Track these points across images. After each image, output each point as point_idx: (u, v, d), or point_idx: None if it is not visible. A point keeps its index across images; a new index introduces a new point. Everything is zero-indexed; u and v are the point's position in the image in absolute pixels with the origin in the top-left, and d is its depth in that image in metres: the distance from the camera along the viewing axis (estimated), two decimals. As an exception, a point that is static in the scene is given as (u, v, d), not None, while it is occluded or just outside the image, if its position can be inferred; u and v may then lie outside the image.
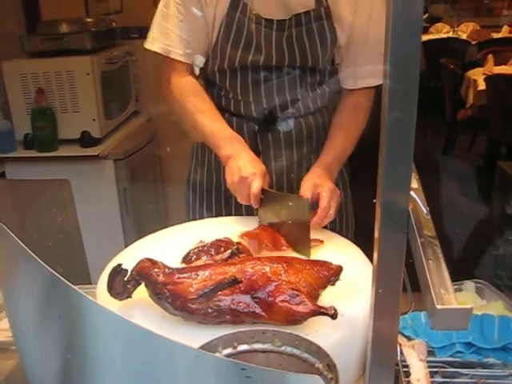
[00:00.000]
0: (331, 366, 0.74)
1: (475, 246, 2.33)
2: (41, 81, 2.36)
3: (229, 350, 0.79)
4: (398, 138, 0.60)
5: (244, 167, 1.17)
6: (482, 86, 3.91)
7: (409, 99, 0.58)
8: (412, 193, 0.66)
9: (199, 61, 1.28)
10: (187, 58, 1.29)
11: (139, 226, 2.38)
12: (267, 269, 0.89)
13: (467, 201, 3.06)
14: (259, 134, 1.33)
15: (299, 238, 1.11)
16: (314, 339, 0.80)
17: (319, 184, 1.17)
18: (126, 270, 0.92)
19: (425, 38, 6.41)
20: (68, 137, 2.39)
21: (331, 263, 0.92)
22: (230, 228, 1.17)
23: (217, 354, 0.78)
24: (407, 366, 0.88)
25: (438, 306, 0.51)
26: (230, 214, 1.37)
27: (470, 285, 1.18)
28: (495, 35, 6.13)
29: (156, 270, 0.91)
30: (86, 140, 2.35)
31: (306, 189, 1.17)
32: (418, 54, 0.58)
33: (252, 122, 1.33)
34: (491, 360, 0.93)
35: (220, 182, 1.39)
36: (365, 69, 1.30)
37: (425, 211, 0.66)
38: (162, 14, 1.28)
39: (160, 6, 1.29)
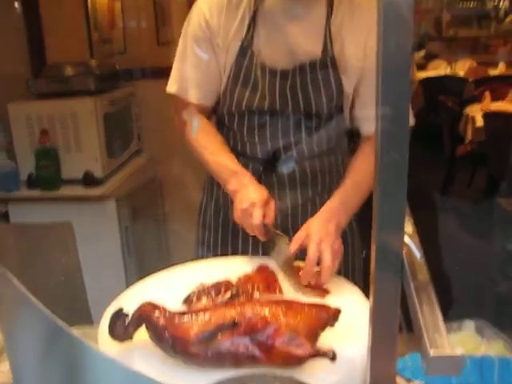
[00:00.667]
0: (330, 411, 0.74)
1: (476, 283, 2.33)
2: (45, 122, 2.41)
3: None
4: (390, 181, 0.62)
5: (245, 198, 1.19)
6: (479, 122, 3.96)
7: (400, 140, 0.60)
8: (406, 237, 0.68)
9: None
10: (201, 100, 1.37)
11: (141, 264, 2.39)
12: (266, 311, 0.90)
13: (467, 237, 3.07)
14: (263, 174, 1.36)
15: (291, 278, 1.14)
16: (314, 381, 0.80)
17: (310, 234, 1.15)
18: (127, 315, 0.93)
19: (423, 75, 6.53)
20: (71, 177, 2.42)
21: (329, 306, 0.93)
22: (231, 269, 1.19)
23: (216, 399, 0.78)
24: (407, 409, 0.88)
25: (431, 353, 0.52)
26: (236, 252, 1.39)
27: (469, 324, 1.18)
28: (492, 72, 6.24)
29: (157, 313, 0.92)
30: (88, 180, 2.38)
31: (297, 237, 1.16)
32: (408, 94, 0.60)
33: (257, 163, 1.36)
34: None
35: (227, 219, 1.40)
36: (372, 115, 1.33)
37: (419, 256, 0.67)
38: (180, 58, 1.38)
39: (178, 49, 1.38)
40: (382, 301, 0.68)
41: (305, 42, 1.29)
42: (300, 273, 1.13)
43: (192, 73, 1.36)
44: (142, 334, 0.95)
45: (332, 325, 0.93)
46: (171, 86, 1.39)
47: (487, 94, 4.27)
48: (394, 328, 0.69)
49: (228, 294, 1.00)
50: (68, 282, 1.24)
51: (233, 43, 1.31)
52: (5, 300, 0.77)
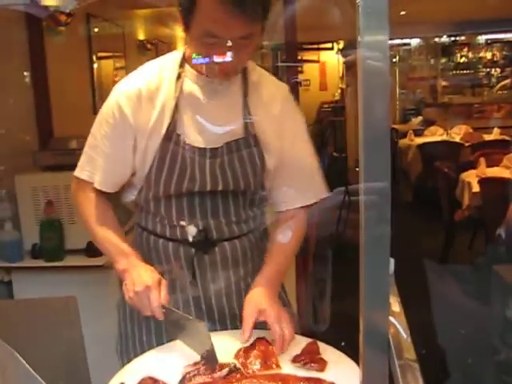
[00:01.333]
0: None
1: (477, 351, 2.32)
2: (50, 193, 2.48)
3: None
4: (375, 256, 0.66)
5: (138, 281, 1.23)
6: (476, 188, 4.04)
7: (383, 212, 0.65)
8: (392, 318, 0.72)
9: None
10: (102, 186, 1.37)
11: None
12: (263, 387, 0.93)
13: (468, 303, 3.06)
14: (196, 257, 1.36)
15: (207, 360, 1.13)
16: None
17: (263, 310, 1.23)
18: (128, 389, 0.96)
19: (420, 140, 6.68)
20: (74, 247, 2.46)
21: (324, 380, 0.96)
22: (227, 343, 1.21)
23: None
24: None
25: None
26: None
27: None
28: (487, 137, 6.41)
29: (157, 388, 0.95)
30: (91, 250, 2.42)
31: (249, 314, 1.23)
32: (388, 167, 0.65)
33: (188, 246, 1.37)
34: None
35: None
36: (293, 191, 1.42)
37: (405, 336, 0.71)
38: (90, 144, 1.38)
39: (89, 136, 1.38)
40: (370, 378, 0.71)
41: (227, 122, 1.34)
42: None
43: (101, 159, 1.35)
44: (143, 409, 0.97)
45: (327, 400, 0.95)
46: (81, 172, 1.38)
47: (482, 160, 4.37)
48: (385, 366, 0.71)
49: (226, 370, 1.03)
50: (70, 357, 1.26)
51: (156, 130, 1.31)
52: (13, 379, 0.81)
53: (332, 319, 2.99)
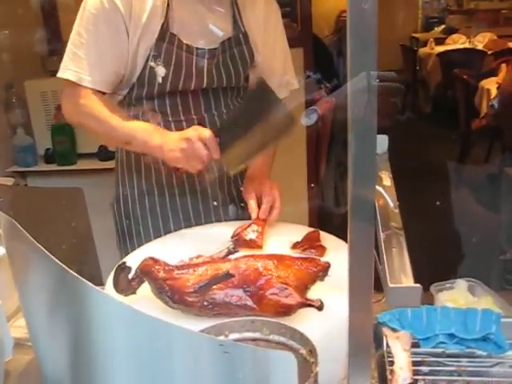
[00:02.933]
0: (313, 351, 0.80)
1: (484, 251, 2.35)
2: (60, 98, 2.47)
3: (221, 338, 0.86)
4: (362, 138, 0.66)
5: (181, 136, 1.22)
6: (495, 95, 3.93)
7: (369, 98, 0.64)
8: (381, 189, 0.73)
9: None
10: (98, 86, 1.31)
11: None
12: (259, 264, 0.96)
13: (479, 208, 3.08)
14: None
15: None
16: (302, 328, 0.86)
17: (258, 184, 1.33)
18: (130, 268, 1.00)
19: (441, 48, 6.45)
20: (86, 151, 2.50)
21: (319, 259, 0.99)
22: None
23: (209, 341, 0.85)
24: (392, 356, 0.93)
25: (390, 285, 0.57)
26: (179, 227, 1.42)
27: (462, 283, 1.23)
28: (512, 44, 6.15)
29: (157, 267, 0.99)
30: (102, 154, 2.46)
31: (249, 192, 1.32)
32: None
33: None
34: (477, 351, 0.98)
35: (154, 205, 1.45)
36: (272, 83, 1.40)
37: (392, 205, 0.72)
38: (74, 44, 1.30)
39: (72, 35, 1.31)
40: (357, 248, 0.73)
41: (218, 21, 1.35)
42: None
43: (89, 57, 1.28)
44: (145, 290, 1.01)
45: (322, 279, 0.98)
46: (64, 72, 1.30)
47: (503, 67, 4.22)
48: (370, 275, 0.74)
49: (224, 251, 1.06)
50: (79, 245, 1.31)
51: (149, 26, 1.28)
52: (16, 250, 0.84)
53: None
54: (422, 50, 6.78)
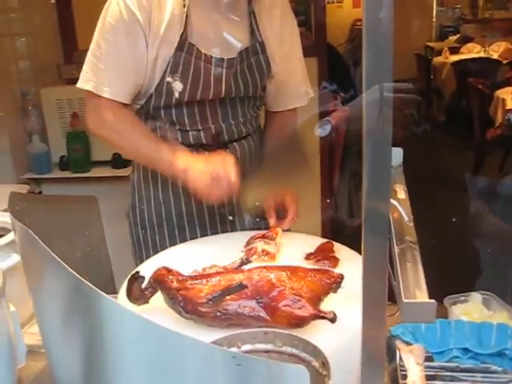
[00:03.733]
0: (325, 364, 0.79)
1: (499, 264, 2.33)
2: (75, 106, 2.50)
3: (233, 350, 0.86)
4: (377, 150, 0.66)
5: (208, 168, 1.22)
6: (510, 105, 3.91)
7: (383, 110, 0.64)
8: (395, 202, 0.72)
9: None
10: (118, 97, 1.31)
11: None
12: (272, 276, 0.95)
13: (495, 220, 3.05)
14: None
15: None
16: (314, 340, 0.86)
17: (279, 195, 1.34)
18: (144, 277, 1.00)
19: (455, 57, 6.43)
20: (100, 158, 2.51)
21: (333, 271, 0.98)
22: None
23: (222, 353, 0.85)
24: (405, 370, 0.92)
25: (405, 300, 0.57)
26: (195, 236, 1.44)
27: (477, 296, 1.21)
28: (527, 54, 6.11)
29: (171, 277, 0.99)
30: (117, 162, 2.47)
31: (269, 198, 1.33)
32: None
33: (202, 149, 1.38)
34: (492, 367, 0.97)
35: (171, 214, 1.45)
36: (289, 92, 1.50)
37: (407, 219, 0.71)
38: (94, 54, 1.30)
39: (92, 46, 1.31)
40: (371, 259, 0.72)
41: (236, 31, 1.35)
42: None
43: (109, 68, 1.28)
44: (159, 300, 1.01)
45: (335, 291, 0.98)
46: (86, 83, 1.31)
47: (519, 76, 4.19)
48: (383, 287, 0.73)
49: (237, 261, 1.06)
50: (93, 254, 1.32)
51: (167, 37, 1.28)
52: (30, 258, 0.85)
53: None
54: (437, 59, 6.76)
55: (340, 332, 0.94)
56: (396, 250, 0.65)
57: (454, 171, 4.18)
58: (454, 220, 2.30)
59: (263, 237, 1.21)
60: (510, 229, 2.76)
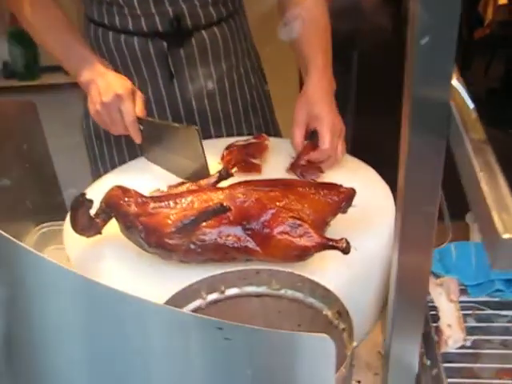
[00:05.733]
0: (343, 314, 0.58)
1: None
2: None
3: (215, 296, 0.63)
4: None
5: (106, 90, 0.97)
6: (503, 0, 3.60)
7: None
8: (454, 82, 0.48)
9: None
10: None
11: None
12: (262, 194, 0.72)
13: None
14: (169, 52, 1.11)
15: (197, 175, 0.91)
16: (321, 280, 0.64)
17: (315, 116, 0.94)
18: (91, 201, 0.75)
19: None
20: (51, 63, 2.19)
21: (341, 186, 0.75)
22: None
23: (199, 301, 0.62)
24: (435, 309, 0.72)
25: (505, 236, 0.34)
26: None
27: None
28: None
29: (127, 198, 0.75)
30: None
31: (300, 119, 0.95)
32: None
33: (158, 39, 1.11)
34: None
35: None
36: None
37: (471, 107, 0.48)
38: None
39: None
40: (418, 174, 0.49)
41: None
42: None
43: None
44: (114, 226, 0.78)
45: (344, 210, 0.75)
46: None
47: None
48: (433, 209, 0.51)
49: (215, 176, 0.82)
50: (34, 173, 1.07)
51: None
52: None
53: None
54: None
55: (350, 265, 0.73)
56: (469, 153, 0.42)
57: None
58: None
59: (246, 145, 0.96)
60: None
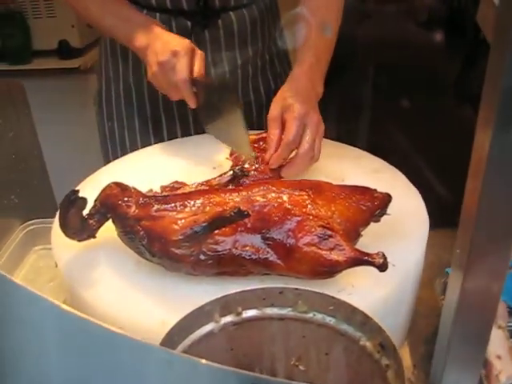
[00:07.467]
0: (387, 348, 0.48)
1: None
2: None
3: (230, 318, 0.53)
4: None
5: (163, 49, 0.87)
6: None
7: None
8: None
9: None
10: None
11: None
12: (285, 197, 0.62)
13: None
14: (193, 32, 1.02)
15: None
16: (350, 297, 0.54)
17: (289, 105, 0.83)
18: (85, 200, 0.65)
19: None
20: (44, 47, 2.08)
21: (376, 190, 0.65)
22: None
23: (212, 325, 0.52)
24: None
25: None
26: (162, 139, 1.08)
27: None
28: None
29: (126, 198, 0.64)
30: (64, 51, 2.04)
31: (274, 117, 0.83)
32: None
33: (183, 18, 1.02)
34: None
35: (143, 102, 1.10)
36: None
37: None
38: None
39: None
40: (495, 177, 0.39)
41: None
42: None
43: None
44: (110, 229, 0.67)
45: (377, 219, 0.65)
46: None
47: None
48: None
49: (228, 174, 0.71)
50: (20, 165, 0.96)
51: None
52: None
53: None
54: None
55: (384, 279, 0.63)
56: None
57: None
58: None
59: (257, 140, 0.86)
60: None
